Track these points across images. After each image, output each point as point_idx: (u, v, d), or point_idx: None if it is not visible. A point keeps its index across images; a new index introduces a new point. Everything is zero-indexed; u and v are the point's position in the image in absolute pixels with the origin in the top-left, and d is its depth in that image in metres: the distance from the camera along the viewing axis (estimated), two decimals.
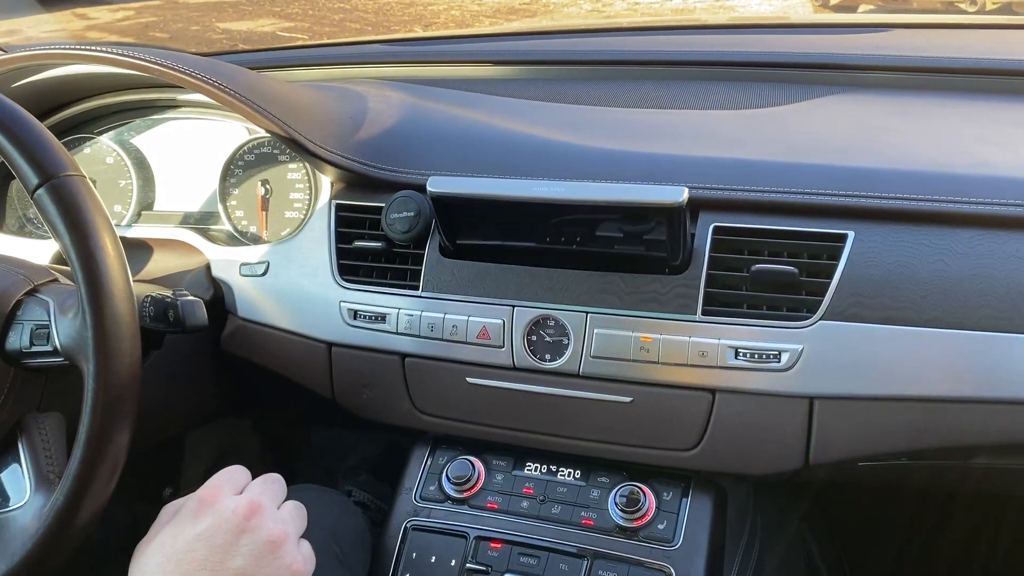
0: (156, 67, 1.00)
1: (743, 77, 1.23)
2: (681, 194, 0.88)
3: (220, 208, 1.24)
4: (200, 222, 1.27)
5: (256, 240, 1.22)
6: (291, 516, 0.80)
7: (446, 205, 0.97)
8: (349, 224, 1.10)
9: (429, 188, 0.95)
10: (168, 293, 0.95)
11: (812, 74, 1.22)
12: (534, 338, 1.00)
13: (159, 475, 1.60)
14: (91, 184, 0.82)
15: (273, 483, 0.83)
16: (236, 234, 1.24)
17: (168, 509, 0.81)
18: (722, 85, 1.22)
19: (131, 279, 0.84)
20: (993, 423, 0.88)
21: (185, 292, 0.95)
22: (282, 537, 0.75)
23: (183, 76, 1.00)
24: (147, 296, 0.95)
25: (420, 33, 1.70)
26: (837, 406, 0.93)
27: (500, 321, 1.01)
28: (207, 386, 1.24)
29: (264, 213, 1.22)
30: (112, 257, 0.81)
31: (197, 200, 1.28)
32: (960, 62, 1.16)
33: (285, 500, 0.83)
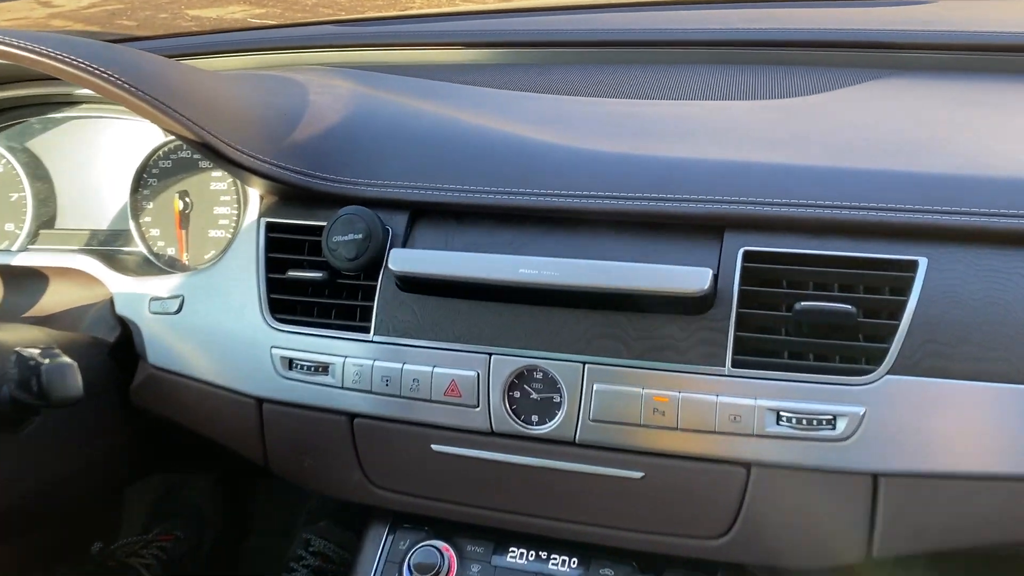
0: (11, 49, 0.77)
1: (768, 60, 1.01)
2: (706, 280, 0.70)
3: (132, 226, 1.02)
4: (108, 243, 1.04)
5: (174, 265, 1.00)
6: None
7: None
8: (282, 248, 0.88)
9: (391, 266, 0.78)
10: (37, 352, 0.73)
11: (851, 55, 1.00)
12: (517, 395, 0.79)
13: (88, 530, 1.38)
14: None
15: None
16: (151, 257, 1.01)
17: None
18: (743, 69, 1.00)
19: None
20: None
21: (57, 352, 0.73)
22: None
23: (48, 60, 0.77)
24: (14, 353, 0.73)
25: (378, 13, 1.45)
26: (909, 485, 0.72)
27: (474, 373, 0.79)
28: (123, 448, 1.01)
29: (183, 232, 1.00)
30: None
31: (105, 216, 1.05)
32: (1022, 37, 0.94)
33: None
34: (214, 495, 1.56)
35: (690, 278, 0.71)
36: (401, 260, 0.78)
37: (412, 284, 0.81)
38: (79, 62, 0.77)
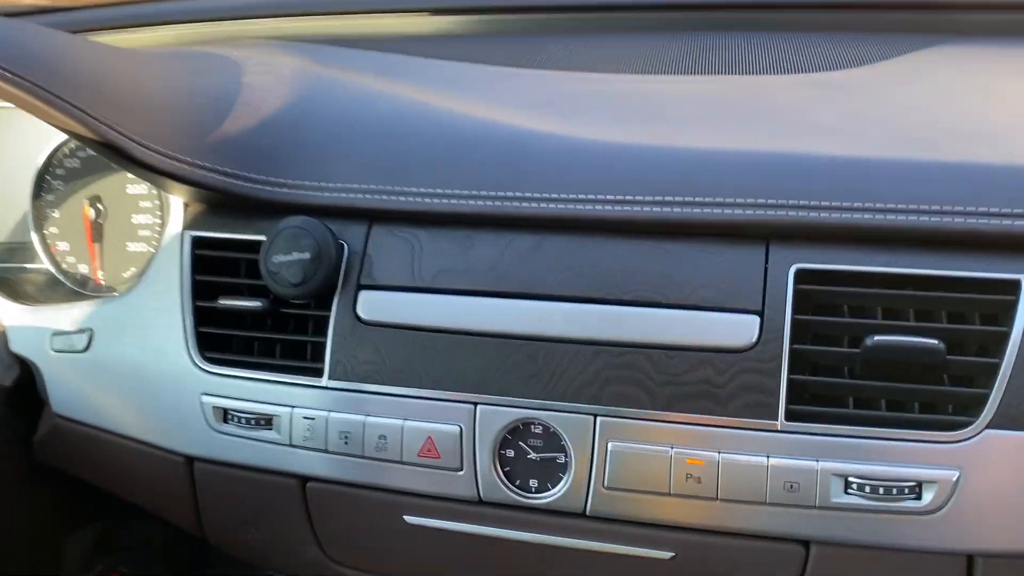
0: None
1: (801, 25, 0.84)
2: (753, 333, 0.58)
3: (34, 238, 0.84)
4: (5, 260, 0.86)
5: (85, 285, 0.82)
6: None
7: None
8: (212, 270, 0.70)
9: (361, 314, 0.64)
10: None
11: (899, 17, 0.83)
12: (511, 455, 0.63)
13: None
14: None
15: None
16: (59, 275, 0.83)
17: None
18: (773, 36, 0.82)
19: None
20: None
21: None
22: None
23: None
24: None
25: None
26: (1015, 569, 0.56)
27: (455, 428, 0.62)
28: (31, 507, 0.84)
29: (96, 245, 0.82)
30: None
31: (2, 226, 0.87)
32: None
33: None
34: (165, 525, 1.39)
35: (729, 328, 0.56)
36: (373, 308, 0.62)
37: (374, 316, 0.64)
38: None
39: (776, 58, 0.78)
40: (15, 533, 0.85)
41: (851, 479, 0.57)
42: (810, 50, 0.79)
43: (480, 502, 0.64)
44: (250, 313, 0.68)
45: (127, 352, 0.72)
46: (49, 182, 0.84)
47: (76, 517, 1.01)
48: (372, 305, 0.64)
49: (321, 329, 0.66)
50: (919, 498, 0.56)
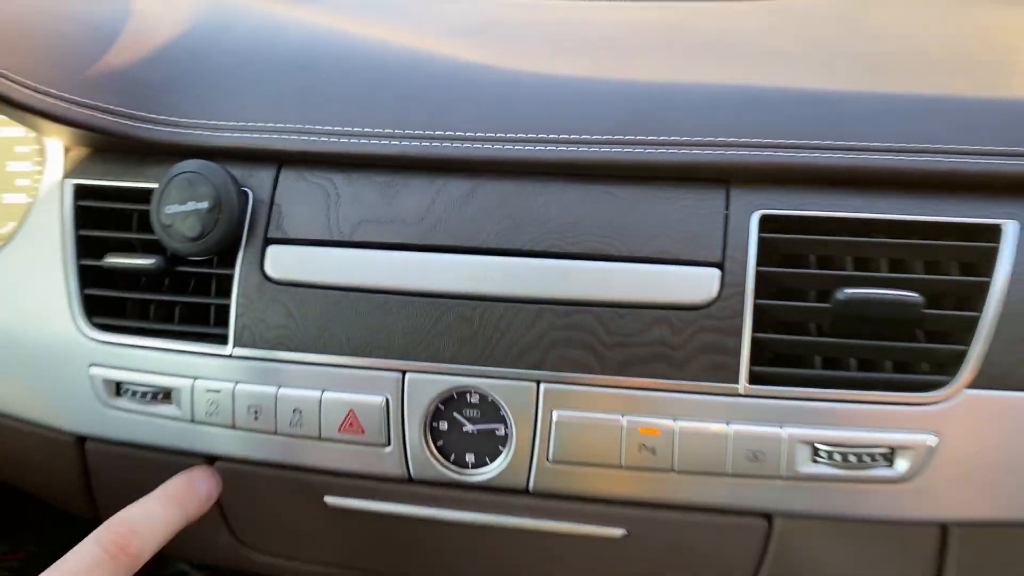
0: None
1: None
2: (713, 287, 0.52)
3: None
4: None
5: None
6: None
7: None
8: (98, 223, 0.61)
9: (269, 273, 0.57)
10: None
11: None
12: (444, 427, 0.56)
13: None
14: None
15: None
16: None
17: None
18: None
19: None
20: None
21: None
22: None
23: None
24: None
25: None
26: (991, 537, 0.53)
27: (380, 399, 0.55)
28: None
29: None
30: None
31: None
32: None
33: None
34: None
35: (686, 282, 0.50)
36: (283, 265, 0.54)
37: (281, 274, 0.56)
38: None
39: None
40: None
41: (819, 446, 0.51)
42: None
43: (410, 480, 0.57)
44: (143, 273, 0.59)
45: (2, 318, 0.62)
46: None
47: None
48: (282, 261, 0.56)
49: (225, 290, 0.58)
50: (892, 465, 0.51)
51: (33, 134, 0.69)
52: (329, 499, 0.58)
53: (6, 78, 0.56)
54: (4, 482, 0.71)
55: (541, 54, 0.61)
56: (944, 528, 0.53)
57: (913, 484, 0.51)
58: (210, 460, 0.60)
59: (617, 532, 0.55)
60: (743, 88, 0.56)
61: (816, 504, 0.52)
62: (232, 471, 0.60)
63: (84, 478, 0.64)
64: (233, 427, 0.58)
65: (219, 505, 0.62)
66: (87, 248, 0.61)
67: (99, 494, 0.65)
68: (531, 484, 0.55)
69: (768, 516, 0.54)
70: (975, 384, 0.50)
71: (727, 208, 0.53)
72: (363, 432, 0.56)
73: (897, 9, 0.65)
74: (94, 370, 0.60)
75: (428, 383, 0.55)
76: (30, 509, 1.24)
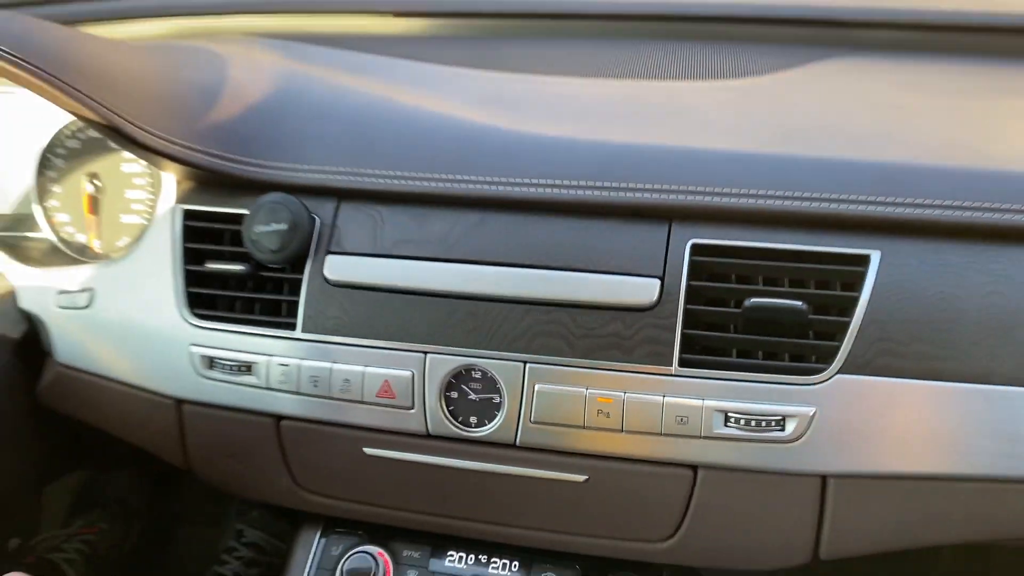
0: None
1: (718, 36, 0.97)
2: (653, 293, 0.69)
3: (36, 210, 0.94)
4: (10, 228, 0.96)
5: (83, 252, 0.92)
6: None
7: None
8: (201, 238, 0.81)
9: (327, 274, 0.73)
10: None
11: (802, 32, 0.96)
12: (455, 396, 0.74)
13: (3, 528, 1.30)
14: None
15: None
16: (59, 244, 0.93)
17: None
18: (692, 45, 0.95)
19: None
20: None
21: None
22: None
23: None
24: None
25: None
26: (857, 487, 0.70)
27: (408, 373, 0.74)
28: (30, 449, 0.94)
29: (94, 217, 0.92)
30: None
31: (6, 200, 0.97)
32: (986, 18, 0.92)
33: None
34: (140, 484, 1.49)
35: (635, 289, 0.68)
36: (339, 271, 0.74)
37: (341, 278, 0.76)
38: None
39: (692, 65, 0.91)
40: (15, 472, 0.95)
41: (730, 414, 0.69)
42: (721, 59, 0.92)
43: (428, 435, 0.75)
44: (233, 276, 0.79)
45: (125, 309, 0.83)
46: (51, 160, 0.94)
47: (56, 468, 1.11)
48: (339, 268, 0.76)
49: (295, 289, 0.77)
50: (783, 430, 0.69)
51: (149, 170, 0.90)
52: (367, 450, 0.77)
53: (139, 127, 0.76)
54: (97, 452, 0.89)
55: (537, 119, 0.80)
56: (824, 479, 0.70)
57: (799, 444, 0.69)
58: (277, 420, 0.79)
59: (581, 478, 0.74)
60: (684, 149, 0.75)
61: (727, 458, 0.70)
62: (295, 428, 0.79)
63: (180, 433, 0.83)
64: (298, 393, 0.77)
65: (283, 455, 0.80)
66: (191, 257, 0.81)
67: (190, 445, 0.84)
68: (518, 439, 0.73)
69: (693, 467, 0.72)
70: (844, 370, 0.68)
71: (668, 237, 0.72)
72: (394, 397, 0.75)
73: (810, 91, 0.84)
74: (193, 348, 0.80)
75: (443, 362, 0.74)
76: (104, 491, 1.44)
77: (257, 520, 1.44)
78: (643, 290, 0.70)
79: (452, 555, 0.82)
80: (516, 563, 0.80)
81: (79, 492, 1.44)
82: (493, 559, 0.81)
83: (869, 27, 0.95)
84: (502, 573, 0.80)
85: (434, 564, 0.81)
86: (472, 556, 0.81)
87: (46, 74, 0.73)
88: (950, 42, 0.93)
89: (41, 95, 0.75)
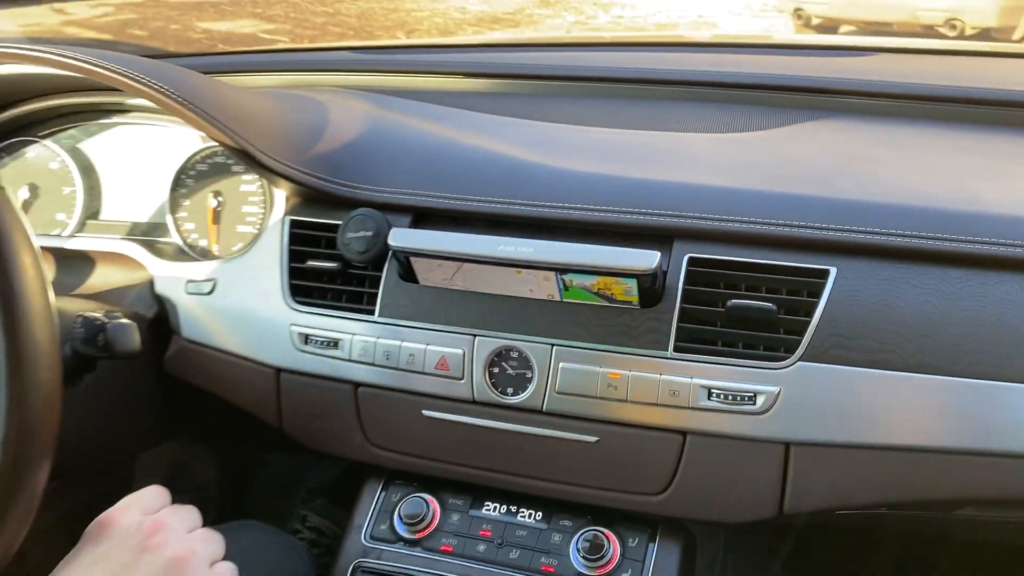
0: (91, 68, 0.93)
1: (724, 98, 1.17)
2: (654, 260, 0.84)
3: (169, 220, 1.17)
4: (148, 233, 1.19)
5: (205, 255, 1.15)
6: (201, 539, 0.74)
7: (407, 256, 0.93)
8: (303, 242, 1.03)
9: (391, 242, 0.91)
10: (100, 314, 0.88)
11: (795, 97, 1.16)
12: (496, 370, 0.94)
13: (104, 498, 1.52)
14: (9, 197, 0.75)
15: (185, 510, 0.77)
16: (185, 248, 1.16)
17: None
18: (702, 106, 1.16)
19: (53, 301, 0.76)
20: (981, 476, 0.83)
21: (118, 314, 0.88)
22: (188, 556, 0.70)
23: (120, 78, 0.93)
24: (79, 316, 0.88)
25: (391, 41, 1.63)
26: (814, 453, 0.87)
27: (460, 351, 0.94)
28: (150, 411, 1.16)
29: (215, 227, 1.15)
30: (31, 277, 0.74)
31: (145, 210, 1.21)
32: (947, 90, 1.11)
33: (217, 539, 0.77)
34: (221, 478, 1.70)
35: (641, 258, 0.85)
36: (399, 237, 0.91)
37: (412, 276, 0.96)
38: (147, 80, 0.93)
39: (701, 122, 1.11)
40: (130, 428, 1.16)
41: (712, 390, 0.87)
42: (727, 118, 1.13)
43: (474, 401, 0.95)
44: (327, 272, 1.01)
45: (240, 296, 1.04)
46: (183, 180, 1.17)
47: (160, 432, 1.31)
48: (402, 238, 0.92)
49: (375, 284, 0.98)
50: (754, 404, 0.86)
51: (261, 188, 1.13)
52: (425, 412, 0.97)
53: (266, 154, 0.99)
54: (226, 402, 1.10)
55: (570, 159, 1.01)
56: (787, 446, 0.88)
57: (766, 416, 0.86)
58: (356, 386, 0.99)
59: (592, 439, 0.92)
60: (688, 184, 0.95)
61: (710, 425, 0.88)
62: (369, 393, 0.99)
63: (277, 396, 1.04)
64: (373, 364, 0.97)
65: (358, 416, 1.00)
66: (295, 256, 1.03)
67: (284, 407, 1.04)
68: (544, 406, 0.92)
69: (683, 433, 0.90)
70: (804, 359, 0.86)
71: (671, 251, 0.91)
72: (448, 370, 0.94)
73: (799, 144, 1.04)
74: (293, 328, 1.01)
75: (488, 343, 0.93)
76: (191, 479, 1.65)
77: (320, 508, 1.64)
78: (646, 259, 0.85)
79: (488, 505, 1.00)
80: (539, 513, 0.98)
81: (168, 478, 1.65)
82: (521, 509, 0.99)
83: (853, 95, 1.15)
84: (528, 520, 0.98)
85: (473, 511, 1.00)
86: (504, 506, 1.00)
87: (199, 110, 0.97)
88: (920, 110, 1.12)
89: (192, 125, 0.99)
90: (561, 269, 0.88)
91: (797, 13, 7.19)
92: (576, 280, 0.88)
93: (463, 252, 0.90)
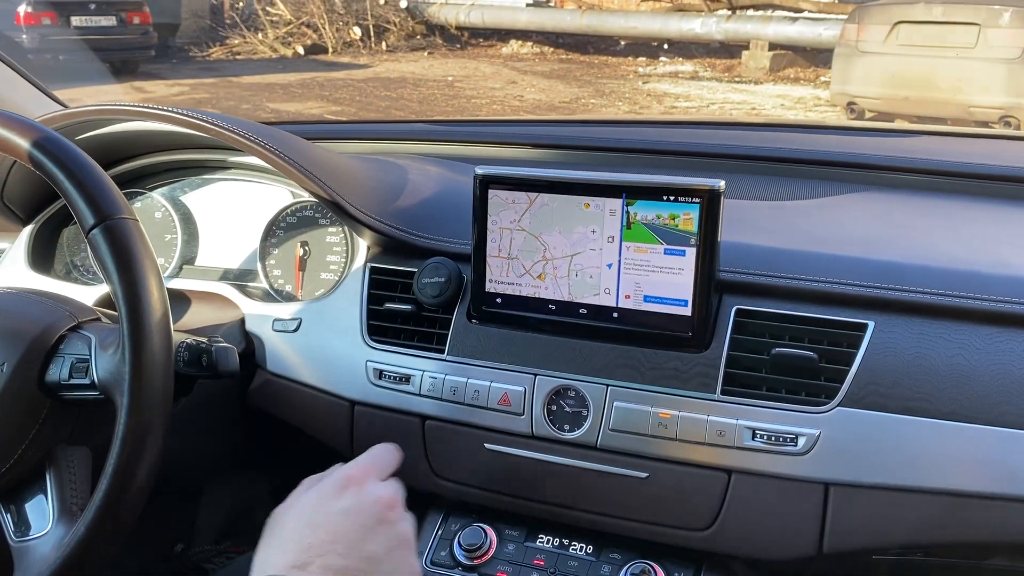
0: (214, 127, 1.06)
1: (773, 172, 1.27)
2: (718, 182, 0.93)
3: (259, 266, 1.29)
4: (238, 278, 1.31)
5: (291, 299, 1.26)
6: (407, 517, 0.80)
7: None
8: (382, 287, 1.13)
9: (477, 171, 1.01)
10: (203, 340, 0.99)
11: (839, 172, 1.26)
12: (554, 408, 1.02)
13: (172, 529, 1.60)
14: (142, 228, 0.87)
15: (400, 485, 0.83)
16: (272, 292, 1.28)
17: (307, 481, 0.82)
18: (753, 178, 1.26)
19: (171, 322, 0.87)
20: (1011, 521, 0.88)
21: (219, 339, 0.98)
22: (411, 539, 0.77)
23: (238, 137, 1.06)
24: (182, 342, 0.99)
25: (458, 117, 1.77)
26: (852, 494, 0.93)
27: (521, 389, 1.02)
28: (229, 438, 1.26)
29: (301, 273, 1.27)
30: (156, 299, 0.85)
31: (237, 257, 1.33)
32: (986, 168, 1.19)
33: None
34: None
35: (705, 180, 0.94)
36: (485, 168, 1.10)
37: (479, 318, 1.06)
38: (259, 140, 1.06)
39: (755, 191, 1.21)
40: (210, 453, 1.25)
41: (757, 431, 0.94)
42: (777, 189, 1.22)
43: (533, 436, 1.02)
44: (402, 314, 1.11)
45: (323, 334, 1.15)
46: (274, 231, 1.30)
47: (235, 460, 1.40)
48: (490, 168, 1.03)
49: (445, 325, 1.08)
50: (796, 445, 0.93)
51: (344, 239, 1.24)
52: (487, 445, 1.05)
53: (355, 207, 1.11)
54: (299, 431, 1.19)
55: None
56: (826, 486, 0.93)
57: (807, 457, 0.92)
58: (423, 419, 1.08)
59: (643, 475, 0.99)
60: (738, 244, 1.03)
61: (753, 465, 0.94)
62: (435, 427, 1.07)
63: (350, 426, 1.13)
64: (440, 399, 1.06)
65: (424, 447, 1.09)
66: (373, 299, 1.13)
67: (356, 439, 1.13)
68: (598, 443, 0.99)
69: (728, 471, 0.96)
70: (843, 404, 0.92)
71: (719, 303, 1.00)
72: (510, 406, 1.03)
73: (838, 212, 1.13)
74: (369, 363, 1.10)
75: (548, 382, 1.02)
76: (253, 520, 1.73)
77: None
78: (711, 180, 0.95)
79: (542, 537, 1.06)
80: (590, 546, 1.04)
81: (232, 517, 1.73)
82: (573, 541, 1.05)
83: (893, 171, 1.24)
84: (579, 552, 1.04)
85: (528, 543, 1.06)
86: (557, 539, 1.06)
87: (299, 166, 1.09)
88: (956, 186, 1.20)
89: (291, 179, 1.11)
90: (630, 190, 0.96)
91: (850, 107, 7.35)
92: (640, 214, 0.96)
93: (539, 178, 0.99)
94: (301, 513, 0.75)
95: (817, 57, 10.52)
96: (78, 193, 0.84)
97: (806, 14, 11.22)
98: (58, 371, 0.90)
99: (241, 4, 14.31)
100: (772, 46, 10.62)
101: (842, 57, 7.33)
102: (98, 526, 0.81)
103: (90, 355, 0.89)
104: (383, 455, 0.85)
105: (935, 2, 6.67)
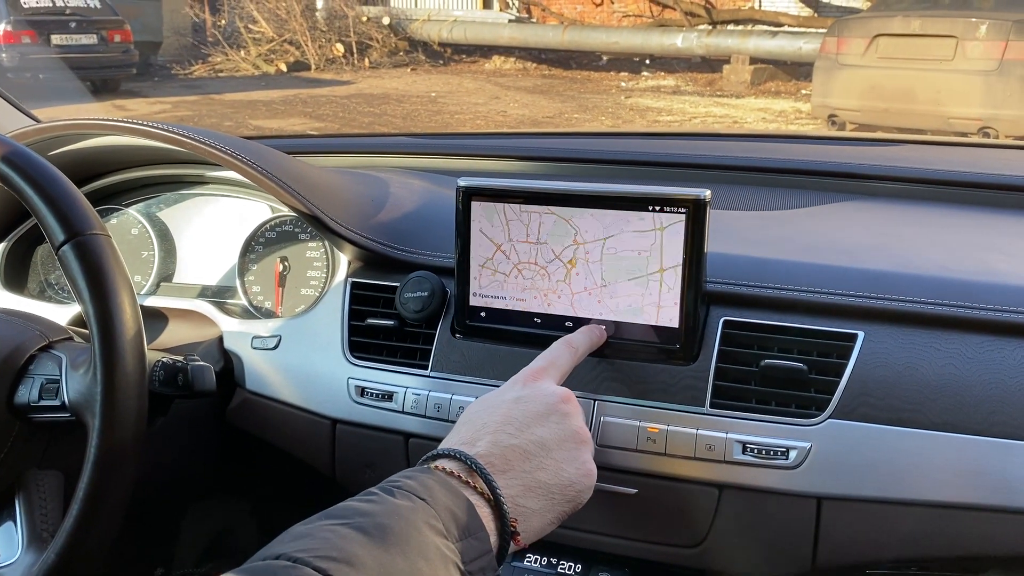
0: (189, 141, 1.04)
1: (760, 182, 1.26)
2: (704, 192, 0.90)
3: (238, 283, 1.26)
4: (217, 295, 1.29)
5: (270, 315, 1.24)
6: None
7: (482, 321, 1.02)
8: (363, 302, 1.11)
9: (460, 183, 0.99)
10: (179, 358, 0.96)
11: (826, 182, 1.25)
12: None
13: (151, 553, 1.56)
14: (115, 244, 0.84)
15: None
16: (251, 308, 1.25)
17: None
18: (738, 188, 1.25)
19: (145, 341, 0.85)
20: (1004, 533, 0.86)
21: (196, 357, 0.96)
22: (588, 439, 0.82)
23: (214, 151, 1.04)
24: (158, 361, 0.96)
25: (445, 129, 1.76)
26: (845, 508, 0.91)
27: None
28: (208, 459, 1.23)
29: (280, 289, 1.24)
30: (128, 316, 0.83)
31: (216, 274, 1.30)
32: (969, 176, 1.19)
33: None
34: (261, 544, 1.73)
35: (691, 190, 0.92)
36: (468, 180, 1.05)
37: (462, 332, 1.03)
38: (236, 154, 1.04)
39: (741, 202, 1.19)
40: (187, 474, 1.22)
41: (747, 445, 0.92)
42: (762, 199, 1.21)
43: None
44: (384, 329, 1.08)
45: (303, 351, 1.12)
46: (252, 246, 1.27)
47: (214, 480, 1.37)
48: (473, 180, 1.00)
49: (428, 340, 1.06)
50: (787, 458, 0.91)
51: (325, 254, 1.22)
52: None
53: (335, 220, 1.09)
54: (280, 451, 1.16)
55: None
56: (819, 500, 0.91)
57: (799, 471, 0.91)
58: (407, 437, 1.05)
59: (632, 491, 0.96)
60: (725, 255, 1.02)
61: (744, 479, 0.92)
62: (419, 444, 1.05)
63: (332, 446, 1.10)
64: (424, 416, 1.03)
65: (408, 465, 1.06)
66: (354, 315, 1.11)
67: (338, 458, 1.10)
68: None
69: (719, 486, 0.94)
70: (834, 416, 0.91)
71: (706, 314, 0.98)
72: None
73: (826, 221, 1.11)
74: (351, 380, 1.08)
75: None
76: (234, 545, 1.69)
77: None
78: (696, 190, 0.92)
79: (530, 556, 1.04)
80: (580, 565, 1.02)
81: (213, 540, 1.69)
82: (562, 561, 1.03)
83: (878, 179, 1.23)
84: (568, 572, 1.02)
85: (515, 563, 1.04)
86: (545, 559, 1.04)
87: (279, 180, 1.07)
88: (942, 194, 1.20)
89: (271, 193, 1.09)
90: (615, 200, 0.93)
91: (831, 119, 7.40)
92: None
93: (523, 189, 0.97)
94: (481, 403, 0.82)
95: (798, 70, 10.60)
96: (47, 209, 0.82)
97: (786, 28, 11.32)
98: (27, 392, 0.87)
99: (223, 22, 14.29)
100: (753, 60, 10.70)
101: (822, 70, 7.39)
102: (69, 552, 0.79)
103: (61, 375, 0.86)
104: (560, 357, 0.88)
105: (913, 15, 6.75)
